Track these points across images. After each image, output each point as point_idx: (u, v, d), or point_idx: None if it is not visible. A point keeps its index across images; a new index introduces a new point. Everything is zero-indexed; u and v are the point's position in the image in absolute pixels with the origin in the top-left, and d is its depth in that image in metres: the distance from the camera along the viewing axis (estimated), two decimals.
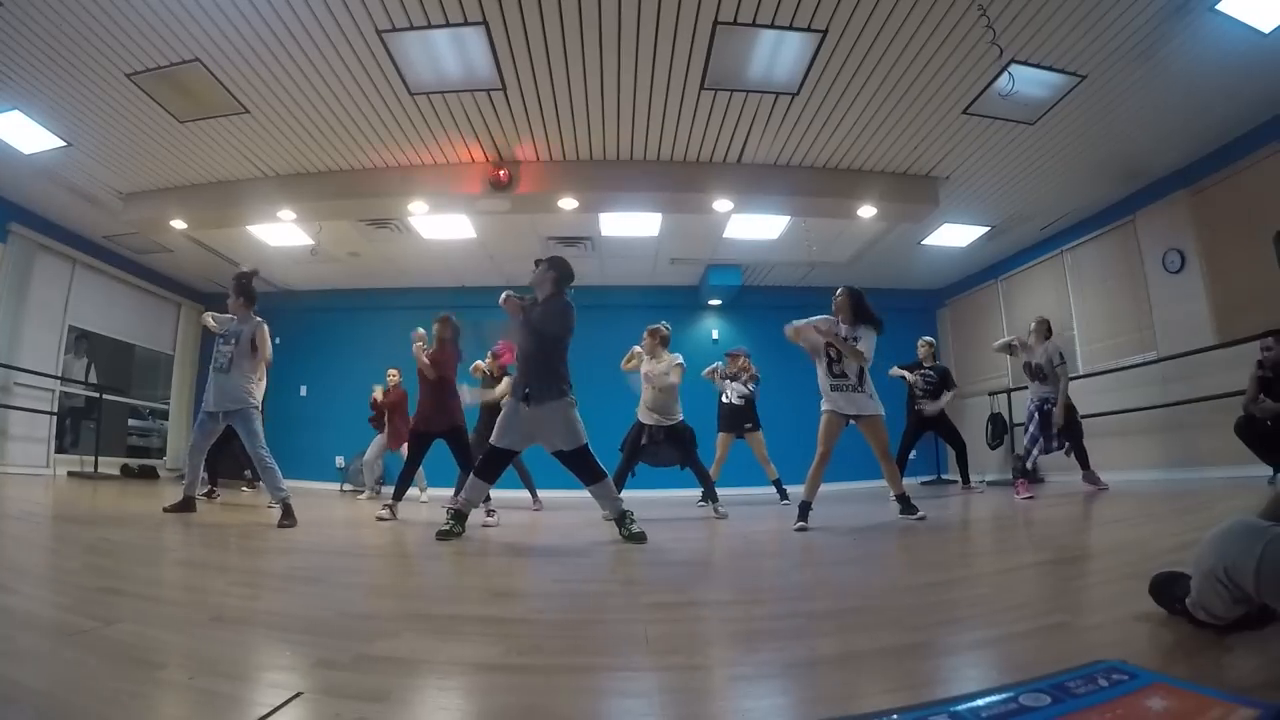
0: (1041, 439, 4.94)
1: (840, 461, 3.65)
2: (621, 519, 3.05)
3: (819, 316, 3.60)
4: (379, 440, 6.72)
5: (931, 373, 5.95)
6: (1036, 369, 5.00)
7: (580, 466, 3.09)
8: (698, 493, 5.11)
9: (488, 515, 3.92)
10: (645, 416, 4.59)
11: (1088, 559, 2.22)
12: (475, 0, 3.68)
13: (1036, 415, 4.97)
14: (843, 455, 3.62)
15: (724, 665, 1.18)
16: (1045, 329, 5.08)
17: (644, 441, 4.56)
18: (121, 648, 1.16)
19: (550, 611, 1.64)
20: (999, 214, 6.60)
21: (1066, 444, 4.95)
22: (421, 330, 4.34)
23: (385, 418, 6.64)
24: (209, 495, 5.20)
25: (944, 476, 7.61)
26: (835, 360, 3.52)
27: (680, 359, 4.59)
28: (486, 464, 3.14)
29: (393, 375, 6.66)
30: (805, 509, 3.38)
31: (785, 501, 5.40)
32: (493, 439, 3.12)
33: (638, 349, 4.70)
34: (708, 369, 5.72)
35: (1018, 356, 5.21)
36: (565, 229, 6.72)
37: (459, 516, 3.08)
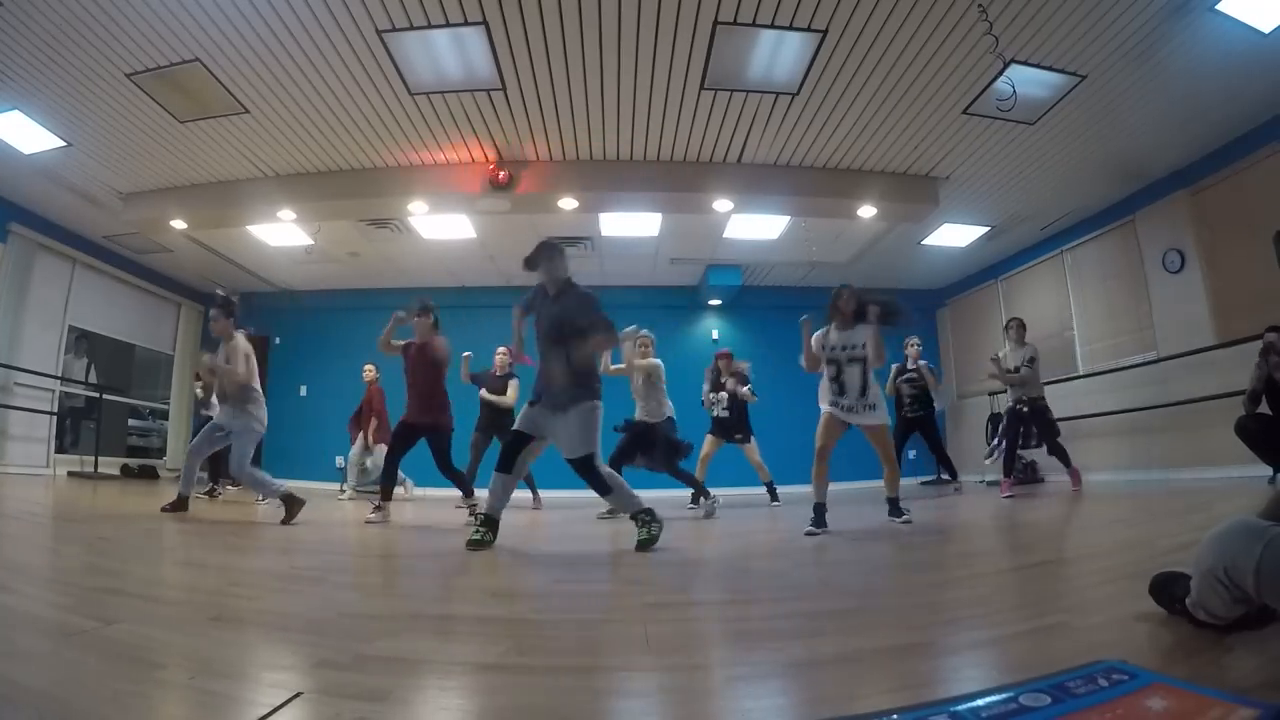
0: (1006, 440, 5.22)
1: (842, 461, 3.60)
2: (641, 516, 2.79)
3: (818, 332, 3.47)
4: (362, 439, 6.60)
5: (916, 374, 5.85)
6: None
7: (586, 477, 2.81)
8: (689, 494, 5.10)
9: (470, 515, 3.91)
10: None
11: (1088, 559, 2.22)
12: (475, 0, 3.68)
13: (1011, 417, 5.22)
14: (845, 454, 3.56)
15: (724, 665, 1.18)
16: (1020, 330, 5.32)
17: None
18: (121, 648, 1.16)
19: (550, 611, 1.64)
20: (999, 214, 6.60)
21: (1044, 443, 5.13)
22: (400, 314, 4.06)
23: (365, 417, 6.56)
24: (210, 494, 5.19)
25: (943, 477, 7.61)
26: (834, 378, 3.39)
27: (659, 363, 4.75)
28: (503, 453, 2.87)
29: (369, 371, 6.60)
30: (820, 512, 3.19)
31: (776, 503, 5.36)
32: (516, 425, 2.90)
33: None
34: (706, 396, 5.55)
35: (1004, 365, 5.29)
36: (565, 229, 6.72)
37: (489, 522, 2.78)
